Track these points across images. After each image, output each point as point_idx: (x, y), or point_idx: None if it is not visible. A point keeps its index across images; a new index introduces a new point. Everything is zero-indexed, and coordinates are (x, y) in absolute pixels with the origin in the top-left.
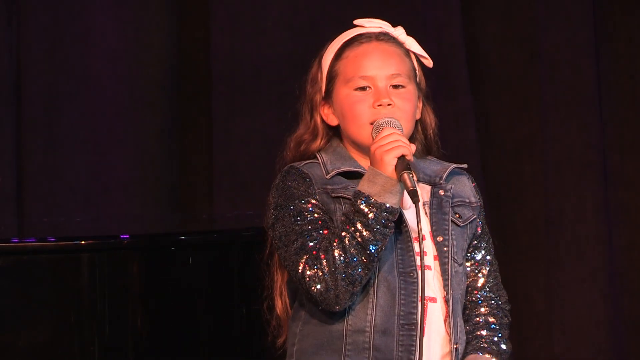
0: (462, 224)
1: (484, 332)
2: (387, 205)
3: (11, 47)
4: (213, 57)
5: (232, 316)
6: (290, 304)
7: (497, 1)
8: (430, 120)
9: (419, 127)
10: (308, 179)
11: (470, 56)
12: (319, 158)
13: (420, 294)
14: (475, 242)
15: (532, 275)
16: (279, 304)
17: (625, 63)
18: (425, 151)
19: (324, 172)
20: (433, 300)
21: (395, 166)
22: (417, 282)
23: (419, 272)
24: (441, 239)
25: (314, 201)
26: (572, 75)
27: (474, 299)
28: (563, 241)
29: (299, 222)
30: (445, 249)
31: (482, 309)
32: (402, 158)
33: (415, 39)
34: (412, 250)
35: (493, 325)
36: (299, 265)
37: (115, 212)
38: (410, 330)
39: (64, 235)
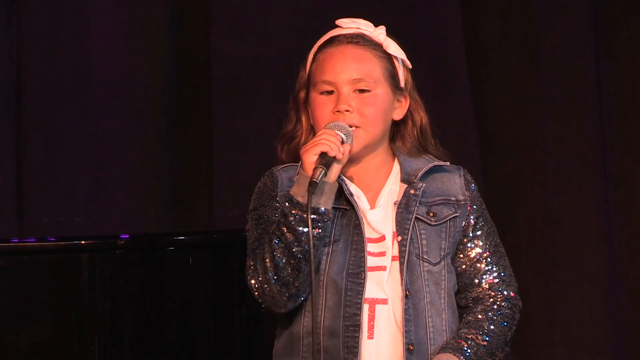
0: (435, 223)
1: (468, 331)
2: (311, 206)
3: (11, 47)
4: (213, 57)
5: (232, 316)
6: None
7: (497, 1)
8: (420, 117)
9: (408, 126)
10: (275, 182)
11: (470, 56)
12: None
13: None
14: (466, 239)
15: (532, 275)
16: None
17: (625, 63)
18: (420, 150)
19: (295, 174)
20: (383, 301)
21: (315, 163)
22: (364, 284)
23: (385, 275)
24: (400, 238)
25: (274, 204)
26: (572, 75)
27: (471, 296)
28: (563, 241)
29: (257, 227)
30: (403, 248)
31: (478, 308)
32: (323, 155)
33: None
34: (364, 251)
35: (483, 328)
36: (247, 270)
37: (115, 212)
38: (354, 332)
39: (64, 235)
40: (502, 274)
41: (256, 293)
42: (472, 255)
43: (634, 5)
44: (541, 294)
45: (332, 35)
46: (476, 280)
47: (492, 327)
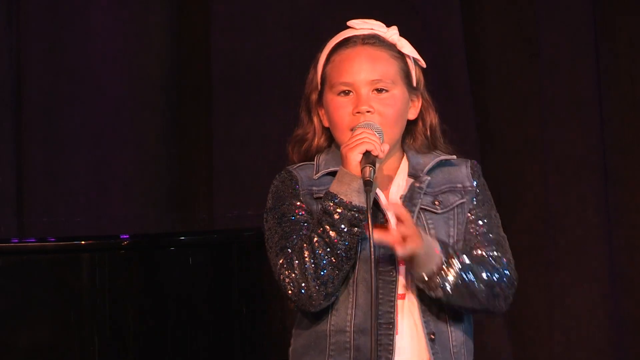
0: (441, 211)
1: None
2: (354, 204)
3: (11, 47)
4: (213, 57)
5: (232, 316)
6: None
7: (497, 1)
8: (431, 117)
9: (419, 126)
10: (295, 180)
11: (470, 56)
12: (315, 159)
13: (372, 291)
14: (469, 221)
15: (532, 276)
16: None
17: (625, 63)
18: (430, 147)
19: (314, 172)
20: (401, 296)
21: (360, 162)
22: (396, 282)
23: (402, 270)
24: None
25: (298, 203)
26: (572, 75)
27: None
28: (563, 241)
29: (282, 224)
30: None
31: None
32: (367, 154)
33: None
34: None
35: (473, 264)
36: (277, 268)
37: (115, 212)
38: (387, 330)
39: (64, 235)
40: (500, 254)
41: (290, 291)
42: (471, 232)
43: (634, 5)
44: (541, 294)
45: (346, 36)
46: (471, 244)
47: (481, 268)
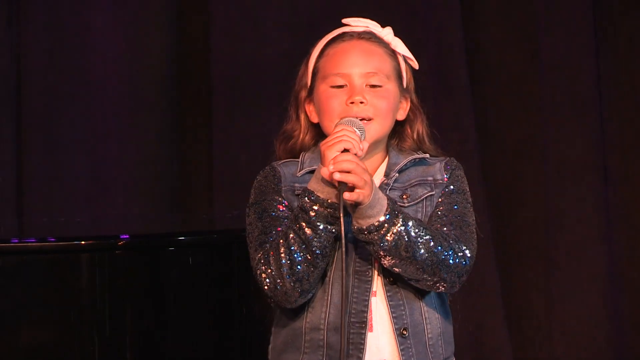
0: (408, 204)
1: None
2: (330, 201)
3: (11, 47)
4: (213, 57)
5: (232, 316)
6: None
7: (497, 1)
8: (419, 120)
9: (406, 129)
10: (277, 176)
11: (470, 56)
12: (300, 157)
13: (342, 289)
14: (436, 208)
15: (532, 276)
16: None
17: (625, 63)
18: (417, 149)
19: (298, 169)
20: (373, 293)
21: None
22: (371, 281)
23: (374, 269)
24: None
25: (279, 198)
26: (572, 75)
27: None
28: (563, 241)
29: (263, 219)
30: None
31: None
32: (344, 152)
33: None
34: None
35: (423, 229)
36: (255, 263)
37: (115, 212)
38: (360, 328)
39: (64, 235)
40: (456, 235)
41: (266, 287)
42: (436, 213)
43: (634, 6)
44: (541, 294)
45: (341, 31)
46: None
47: (429, 236)
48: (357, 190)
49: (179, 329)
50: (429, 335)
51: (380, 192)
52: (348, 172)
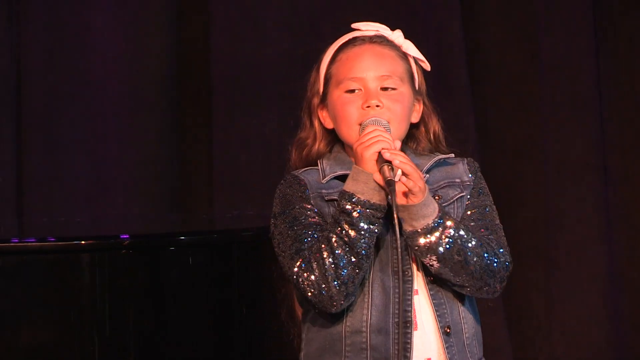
0: (444, 205)
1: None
2: (372, 202)
3: (11, 47)
4: (213, 57)
5: (232, 316)
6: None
7: (497, 1)
8: (434, 122)
9: (422, 129)
10: (303, 184)
11: (470, 56)
12: (319, 164)
13: (399, 289)
14: (467, 211)
15: (532, 276)
16: (298, 311)
17: (625, 63)
18: (432, 151)
19: (321, 176)
20: (415, 292)
21: (377, 161)
22: (412, 280)
23: (414, 268)
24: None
25: (308, 206)
26: (572, 75)
27: None
28: (563, 241)
29: (294, 228)
30: None
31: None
32: (381, 158)
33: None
34: (409, 247)
35: (470, 233)
36: (294, 271)
37: (115, 212)
38: (406, 328)
39: (64, 235)
40: (494, 238)
41: (309, 294)
42: (466, 219)
43: (634, 6)
44: (541, 294)
45: (352, 36)
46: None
47: (476, 240)
48: (412, 189)
49: (179, 329)
50: (466, 335)
51: (429, 194)
52: (407, 175)
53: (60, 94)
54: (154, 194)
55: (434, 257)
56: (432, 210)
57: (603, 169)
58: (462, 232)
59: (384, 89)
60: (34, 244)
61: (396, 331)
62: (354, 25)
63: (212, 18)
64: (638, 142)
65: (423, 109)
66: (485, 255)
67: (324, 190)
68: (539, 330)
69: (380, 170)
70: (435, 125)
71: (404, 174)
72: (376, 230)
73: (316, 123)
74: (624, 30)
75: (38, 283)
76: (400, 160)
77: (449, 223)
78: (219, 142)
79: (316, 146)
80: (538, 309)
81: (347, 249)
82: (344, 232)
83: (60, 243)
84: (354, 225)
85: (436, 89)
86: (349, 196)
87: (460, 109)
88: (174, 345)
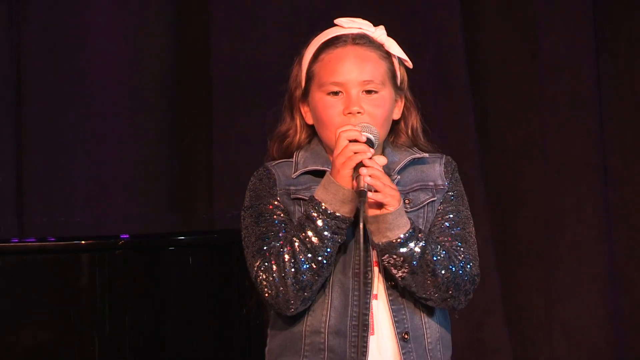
0: (411, 209)
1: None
2: (337, 214)
3: (11, 47)
4: (213, 57)
5: (232, 316)
6: None
7: (497, 1)
8: (413, 118)
9: (401, 125)
10: (272, 179)
11: (470, 56)
12: (294, 156)
13: (359, 292)
14: (437, 217)
15: (532, 276)
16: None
17: (625, 63)
18: (411, 145)
19: (293, 170)
20: (374, 296)
21: (353, 169)
22: (370, 283)
23: (375, 272)
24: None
25: (275, 202)
26: (572, 75)
27: None
28: (563, 241)
29: (259, 224)
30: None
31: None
32: (359, 164)
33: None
34: (370, 250)
35: (439, 245)
36: (254, 270)
37: (115, 212)
38: (363, 331)
39: (64, 235)
40: (463, 248)
41: (267, 294)
42: (437, 225)
43: (634, 6)
44: (541, 294)
45: (334, 34)
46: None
47: (444, 253)
48: (382, 202)
49: (178, 329)
50: (429, 340)
51: (402, 206)
52: (378, 191)
53: (60, 94)
54: (154, 194)
55: (405, 269)
56: (406, 222)
57: (603, 169)
58: (432, 244)
59: (367, 91)
60: (34, 244)
61: (353, 334)
62: (336, 21)
63: (212, 18)
64: (638, 142)
65: (404, 103)
66: (452, 268)
67: (292, 187)
68: (539, 330)
69: (355, 179)
70: (414, 120)
71: (375, 190)
72: (339, 240)
73: (297, 117)
74: (624, 30)
75: (38, 283)
76: (372, 175)
77: (420, 235)
78: (219, 142)
79: (297, 138)
80: (538, 309)
81: (310, 255)
82: (307, 238)
83: (60, 243)
84: (317, 233)
85: (436, 89)
86: (316, 204)
87: (460, 109)
88: (174, 345)
